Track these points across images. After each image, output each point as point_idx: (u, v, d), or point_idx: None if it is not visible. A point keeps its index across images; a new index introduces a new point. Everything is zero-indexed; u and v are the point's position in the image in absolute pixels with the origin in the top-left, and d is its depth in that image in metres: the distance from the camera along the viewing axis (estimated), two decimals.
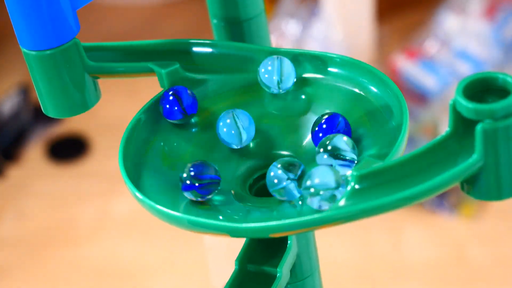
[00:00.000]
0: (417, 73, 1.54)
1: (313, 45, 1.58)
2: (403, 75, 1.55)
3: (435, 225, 1.49)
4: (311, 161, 0.60)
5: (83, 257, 1.51)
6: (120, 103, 1.74)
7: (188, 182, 0.57)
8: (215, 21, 0.68)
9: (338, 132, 0.58)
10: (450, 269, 1.42)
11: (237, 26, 0.68)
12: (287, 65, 0.62)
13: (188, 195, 0.58)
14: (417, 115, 1.52)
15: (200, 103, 0.64)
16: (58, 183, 1.67)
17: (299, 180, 0.56)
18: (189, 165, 0.58)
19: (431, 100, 1.51)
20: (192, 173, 0.57)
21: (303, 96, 0.63)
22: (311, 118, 0.62)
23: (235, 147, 0.62)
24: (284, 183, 0.56)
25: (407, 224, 1.49)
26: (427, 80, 1.53)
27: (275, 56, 0.62)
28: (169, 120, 0.62)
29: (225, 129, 0.61)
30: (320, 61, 0.62)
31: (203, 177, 0.57)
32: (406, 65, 1.55)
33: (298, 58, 0.63)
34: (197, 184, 0.57)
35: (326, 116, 0.59)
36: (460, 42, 1.57)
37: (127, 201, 1.59)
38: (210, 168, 0.58)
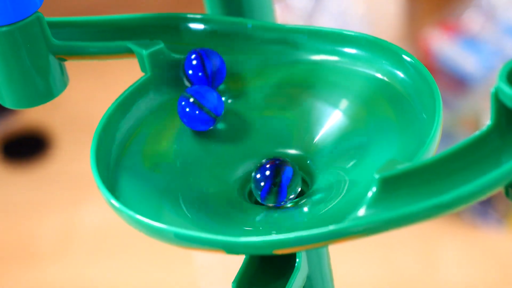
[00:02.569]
0: (454, 54, 1.55)
1: (326, 21, 1.59)
2: (437, 56, 1.55)
3: (477, 240, 1.50)
4: (324, 162, 0.61)
5: (46, 279, 1.52)
6: (90, 92, 1.75)
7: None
8: None
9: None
10: None
11: None
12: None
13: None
14: (454, 105, 1.52)
15: None
16: (15, 190, 1.68)
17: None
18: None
19: (472, 86, 1.52)
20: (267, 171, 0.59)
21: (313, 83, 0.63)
22: (324, 109, 0.62)
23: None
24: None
25: (442, 240, 1.50)
26: (467, 62, 1.54)
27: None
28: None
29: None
30: (335, 40, 0.63)
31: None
32: (441, 44, 1.56)
33: (308, 37, 0.63)
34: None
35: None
36: (509, 16, 1.58)
37: (99, 210, 1.59)
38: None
